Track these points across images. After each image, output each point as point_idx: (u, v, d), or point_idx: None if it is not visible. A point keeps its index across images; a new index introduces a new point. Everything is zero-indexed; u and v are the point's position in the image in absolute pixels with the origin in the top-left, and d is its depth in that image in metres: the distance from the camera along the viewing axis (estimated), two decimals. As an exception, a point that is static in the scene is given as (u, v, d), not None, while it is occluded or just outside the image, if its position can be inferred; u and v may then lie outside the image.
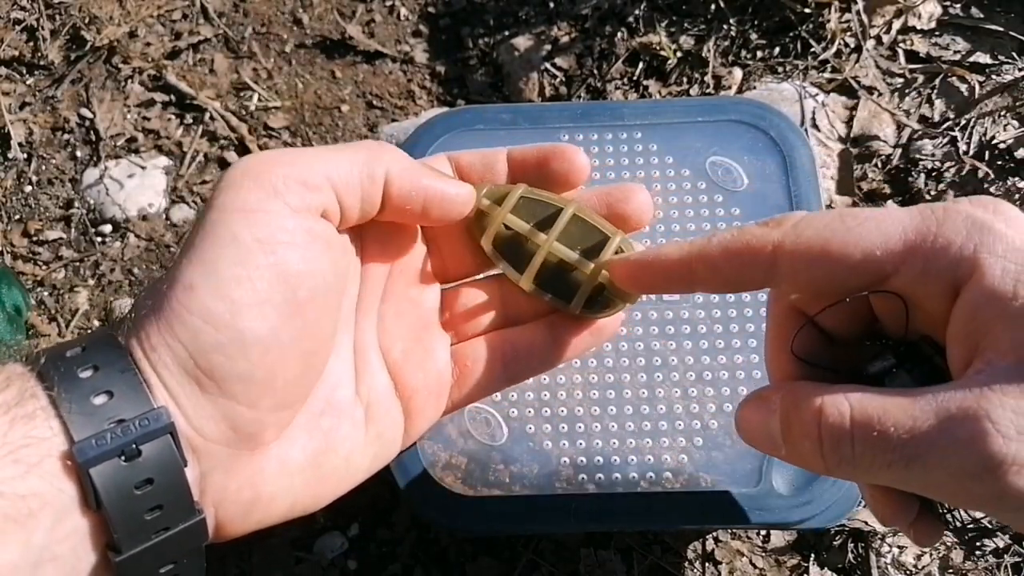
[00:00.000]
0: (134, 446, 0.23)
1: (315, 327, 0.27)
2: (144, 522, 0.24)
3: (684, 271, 0.27)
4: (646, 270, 0.29)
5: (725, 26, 0.61)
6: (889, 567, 0.46)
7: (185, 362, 0.24)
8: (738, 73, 0.60)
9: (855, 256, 0.24)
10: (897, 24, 0.60)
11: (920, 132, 0.57)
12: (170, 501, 0.24)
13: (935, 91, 0.58)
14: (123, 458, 0.23)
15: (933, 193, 0.55)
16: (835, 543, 0.47)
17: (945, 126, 0.57)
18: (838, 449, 0.23)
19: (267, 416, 0.26)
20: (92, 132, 0.62)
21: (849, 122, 0.58)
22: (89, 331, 0.26)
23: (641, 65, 0.61)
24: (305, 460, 0.28)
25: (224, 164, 0.61)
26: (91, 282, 0.58)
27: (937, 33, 0.60)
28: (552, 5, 0.64)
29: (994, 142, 0.56)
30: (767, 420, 0.26)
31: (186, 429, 0.25)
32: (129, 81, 0.64)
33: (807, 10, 0.60)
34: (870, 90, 0.58)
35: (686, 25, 0.62)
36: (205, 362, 0.24)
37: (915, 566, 0.46)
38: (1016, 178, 0.54)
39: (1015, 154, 0.55)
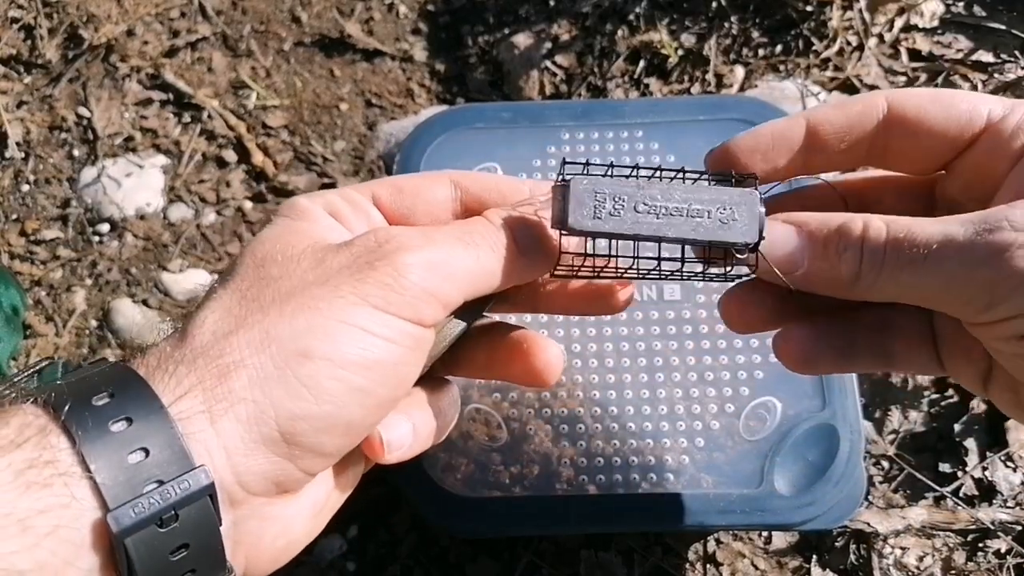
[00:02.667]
0: (173, 511, 0.22)
1: (390, 411, 0.27)
2: None
3: (803, 135, 0.28)
4: (764, 141, 0.29)
5: (726, 24, 0.61)
6: (891, 568, 0.46)
7: (266, 421, 0.23)
8: (740, 71, 0.60)
9: (965, 108, 0.27)
10: (899, 22, 0.60)
11: (922, 131, 0.57)
12: (204, 564, 0.23)
13: (937, 89, 0.58)
14: (160, 524, 0.22)
15: (935, 192, 0.55)
16: (837, 544, 0.47)
17: (948, 125, 0.56)
18: (875, 257, 0.25)
19: (312, 475, 0.26)
20: (90, 131, 0.62)
21: (851, 121, 0.58)
22: (106, 365, 0.24)
23: (642, 63, 0.61)
24: (327, 496, 0.28)
25: (222, 163, 0.61)
26: (88, 282, 0.58)
27: (939, 31, 0.60)
28: (552, 3, 0.64)
29: (997, 141, 0.55)
30: (794, 237, 0.26)
31: (230, 484, 0.23)
32: (127, 80, 0.64)
33: (809, 8, 0.60)
34: (872, 88, 0.58)
35: (687, 23, 0.62)
36: (289, 427, 0.24)
37: (917, 567, 0.46)
38: (1019, 177, 0.54)
39: (1018, 153, 0.55)
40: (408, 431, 0.29)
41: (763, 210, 0.26)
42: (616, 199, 0.26)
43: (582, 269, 0.27)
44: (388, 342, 0.25)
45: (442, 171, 0.30)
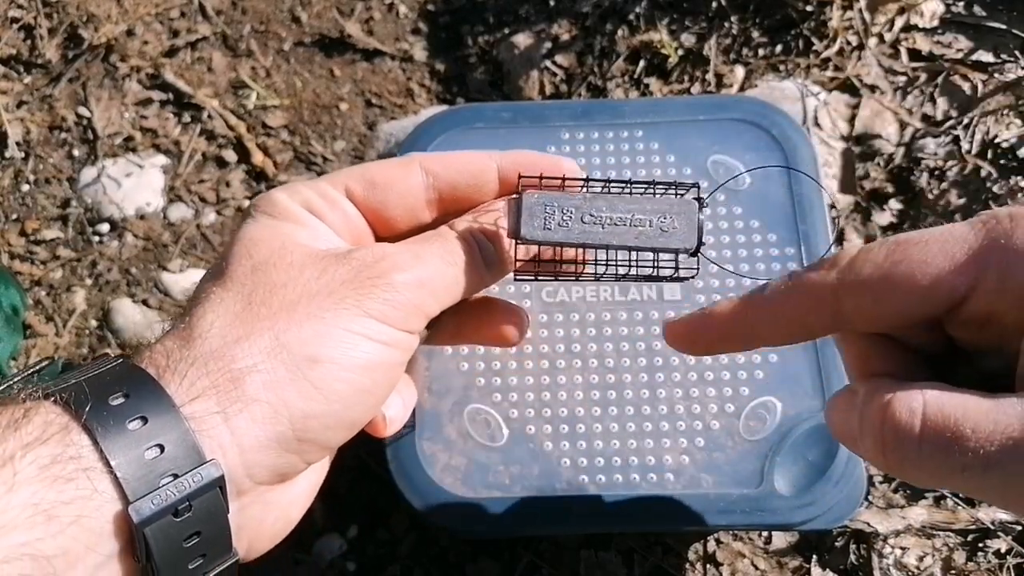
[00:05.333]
0: (187, 502, 0.23)
1: (382, 404, 0.31)
2: (188, 571, 0.24)
3: (744, 328, 0.26)
4: (701, 330, 0.28)
5: (726, 24, 0.61)
6: (891, 568, 0.46)
7: (280, 420, 0.25)
8: (740, 71, 0.60)
9: (923, 282, 0.22)
10: (899, 22, 0.60)
11: (922, 131, 0.57)
12: (213, 548, 0.25)
13: (937, 90, 0.58)
14: (175, 515, 0.23)
15: (936, 192, 0.55)
16: (837, 544, 0.47)
17: (948, 125, 0.56)
18: (901, 449, 0.21)
19: (311, 464, 0.28)
20: (89, 131, 0.62)
21: (851, 120, 0.58)
22: (115, 363, 0.26)
23: (642, 63, 0.61)
24: (319, 478, 0.30)
25: (222, 163, 0.61)
26: (88, 282, 0.58)
27: (939, 31, 0.60)
28: (552, 3, 0.64)
29: (997, 141, 0.55)
30: (850, 413, 0.24)
31: (239, 476, 0.25)
32: (127, 79, 0.63)
33: (809, 8, 0.60)
34: (872, 88, 0.58)
35: (687, 23, 0.62)
36: (302, 425, 0.26)
37: (917, 567, 0.46)
38: (1019, 177, 0.54)
39: (1018, 153, 0.55)
40: (401, 405, 0.34)
41: (701, 217, 0.28)
42: (564, 211, 0.28)
43: (541, 272, 0.30)
44: (386, 347, 0.27)
45: (411, 155, 0.32)
